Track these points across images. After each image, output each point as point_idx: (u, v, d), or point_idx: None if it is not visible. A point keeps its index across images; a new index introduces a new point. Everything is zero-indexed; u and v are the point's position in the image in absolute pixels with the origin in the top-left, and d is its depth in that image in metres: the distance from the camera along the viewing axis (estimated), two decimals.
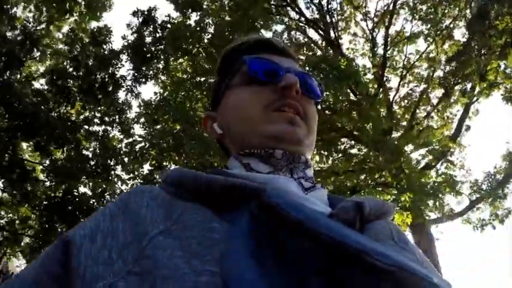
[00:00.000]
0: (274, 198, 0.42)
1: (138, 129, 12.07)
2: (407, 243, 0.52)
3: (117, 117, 10.00)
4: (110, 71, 9.43)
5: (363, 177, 9.20)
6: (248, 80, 0.66)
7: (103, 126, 10.26)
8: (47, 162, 10.10)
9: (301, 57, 9.47)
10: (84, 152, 9.93)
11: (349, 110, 8.49)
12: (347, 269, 0.35)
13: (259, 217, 0.42)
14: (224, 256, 0.40)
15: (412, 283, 0.34)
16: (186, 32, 8.60)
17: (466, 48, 8.99)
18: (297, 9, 9.71)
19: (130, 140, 9.04)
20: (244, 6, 8.42)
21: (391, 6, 9.87)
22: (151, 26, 8.95)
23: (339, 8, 10.17)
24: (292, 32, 9.98)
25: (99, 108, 10.07)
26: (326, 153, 8.81)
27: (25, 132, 8.71)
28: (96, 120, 10.29)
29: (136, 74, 9.22)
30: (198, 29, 8.74)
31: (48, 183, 10.06)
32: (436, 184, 8.70)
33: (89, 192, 10.05)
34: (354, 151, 9.66)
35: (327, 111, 8.70)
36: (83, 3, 9.85)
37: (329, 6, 9.69)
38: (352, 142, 9.47)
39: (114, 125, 10.12)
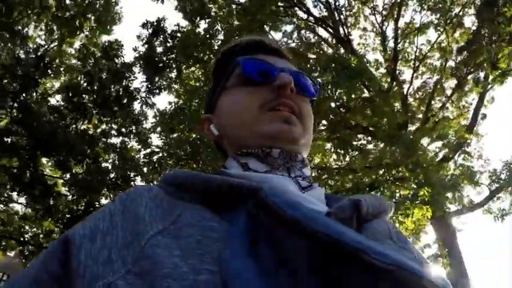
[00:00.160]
0: (271, 197, 0.42)
1: (155, 139, 12.10)
2: (406, 242, 0.52)
3: (133, 128, 10.07)
4: (123, 84, 9.51)
5: (380, 172, 9.14)
6: (243, 81, 0.67)
7: (120, 138, 10.35)
8: (68, 176, 10.23)
9: (312, 56, 9.43)
10: (104, 164, 10.03)
11: (363, 106, 8.44)
12: (344, 268, 0.34)
13: (257, 216, 0.42)
14: (222, 255, 0.40)
15: (411, 282, 0.33)
16: (196, 40, 8.61)
17: (476, 36, 8.88)
18: (304, 9, 9.65)
19: (148, 150, 9.11)
20: (252, 11, 8.40)
21: None
22: (162, 36, 8.97)
23: (346, 4, 10.09)
24: (302, 32, 9.92)
25: (116, 120, 10.13)
26: (342, 151, 8.78)
27: (44, 150, 8.81)
28: (113, 132, 10.38)
29: (150, 86, 9.27)
30: (207, 36, 8.75)
31: (70, 197, 10.13)
32: (454, 177, 8.62)
33: None
34: (370, 147, 9.61)
35: (341, 109, 8.66)
36: (92, 18, 9.90)
37: (336, 3, 9.61)
38: (369, 138, 9.41)
39: (132, 136, 10.20)
